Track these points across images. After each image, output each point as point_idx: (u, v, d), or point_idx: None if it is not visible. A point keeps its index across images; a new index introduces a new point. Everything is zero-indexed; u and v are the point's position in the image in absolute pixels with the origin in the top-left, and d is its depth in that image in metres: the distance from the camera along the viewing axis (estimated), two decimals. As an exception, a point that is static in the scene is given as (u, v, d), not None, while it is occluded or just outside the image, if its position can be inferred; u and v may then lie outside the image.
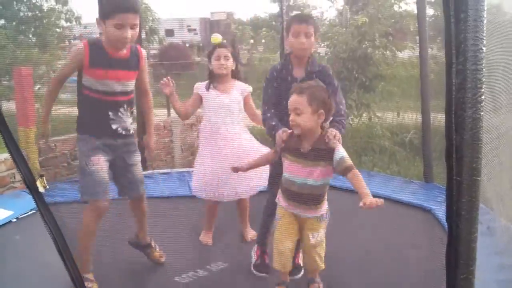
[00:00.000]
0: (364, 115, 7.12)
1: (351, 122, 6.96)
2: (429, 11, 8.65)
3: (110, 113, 2.54)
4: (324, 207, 2.51)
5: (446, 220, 1.38)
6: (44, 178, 1.35)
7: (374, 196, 2.14)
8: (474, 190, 1.31)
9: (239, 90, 3.23)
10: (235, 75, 3.26)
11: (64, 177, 4.88)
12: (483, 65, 1.29)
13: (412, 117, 6.26)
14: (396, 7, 7.76)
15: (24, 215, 3.63)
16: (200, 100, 3.23)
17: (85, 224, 2.46)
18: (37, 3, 14.90)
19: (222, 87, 3.20)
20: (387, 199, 3.62)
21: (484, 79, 1.29)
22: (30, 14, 15.01)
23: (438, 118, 4.43)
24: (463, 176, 1.31)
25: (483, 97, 1.29)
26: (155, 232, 3.01)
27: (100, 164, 2.51)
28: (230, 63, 3.19)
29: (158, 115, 7.57)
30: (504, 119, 2.30)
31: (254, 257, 3.02)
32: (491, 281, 2.35)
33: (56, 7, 15.29)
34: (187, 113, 3.24)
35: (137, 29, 2.38)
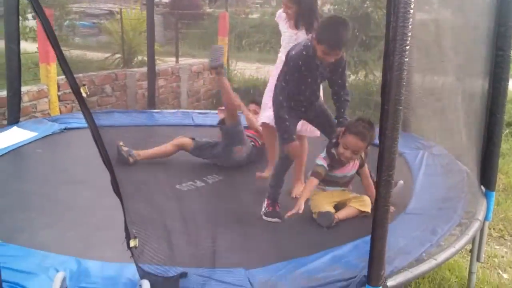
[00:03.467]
0: (361, 72, 7.50)
1: (348, 78, 7.32)
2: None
3: None
4: None
5: (378, 138, 1.87)
6: (85, 86, 1.81)
7: None
8: (396, 116, 1.79)
9: None
10: None
11: (79, 110, 5.35)
12: (410, 23, 1.73)
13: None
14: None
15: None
16: None
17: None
18: None
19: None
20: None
21: (409, 34, 1.74)
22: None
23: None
24: (389, 105, 1.79)
25: (407, 47, 1.74)
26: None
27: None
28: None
29: (167, 61, 8.01)
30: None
31: (264, 206, 2.94)
32: (435, 208, 2.88)
33: None
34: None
35: None
